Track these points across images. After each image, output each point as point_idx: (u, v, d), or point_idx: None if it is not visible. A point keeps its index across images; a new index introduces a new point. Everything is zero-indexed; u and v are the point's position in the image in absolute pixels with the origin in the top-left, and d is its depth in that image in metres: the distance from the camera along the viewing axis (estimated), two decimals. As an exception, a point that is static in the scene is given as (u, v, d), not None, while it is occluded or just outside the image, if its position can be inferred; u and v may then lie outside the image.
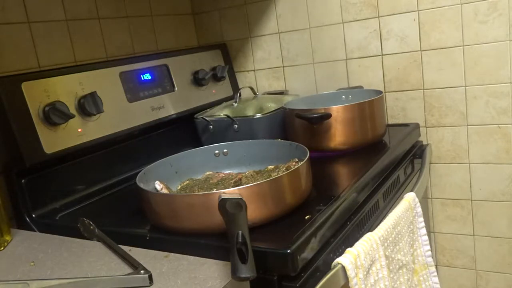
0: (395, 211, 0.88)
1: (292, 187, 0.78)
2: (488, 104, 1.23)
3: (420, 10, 1.24)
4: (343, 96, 1.30)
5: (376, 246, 0.77)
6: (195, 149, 1.01)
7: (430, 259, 0.94)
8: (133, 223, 0.86)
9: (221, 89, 1.45)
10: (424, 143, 1.32)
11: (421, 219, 0.94)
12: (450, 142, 1.30)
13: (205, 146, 1.02)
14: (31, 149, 0.92)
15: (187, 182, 0.96)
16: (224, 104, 1.36)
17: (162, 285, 0.63)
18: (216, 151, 1.01)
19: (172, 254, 0.71)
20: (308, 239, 0.70)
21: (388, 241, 0.81)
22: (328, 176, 1.01)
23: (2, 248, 0.82)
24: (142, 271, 0.64)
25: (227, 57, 1.52)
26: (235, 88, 1.50)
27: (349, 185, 0.88)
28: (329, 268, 0.71)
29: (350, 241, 0.79)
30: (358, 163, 1.04)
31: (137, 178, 0.83)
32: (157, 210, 0.78)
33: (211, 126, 1.26)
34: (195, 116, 1.30)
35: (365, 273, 0.73)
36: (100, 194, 1.06)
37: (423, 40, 1.26)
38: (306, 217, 0.75)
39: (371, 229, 0.82)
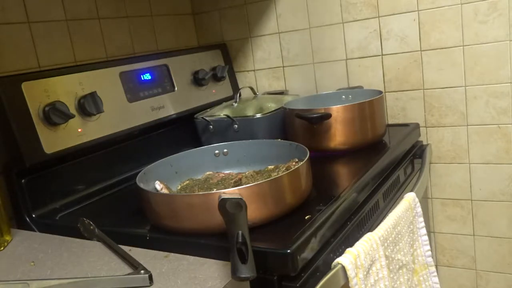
0: (395, 211, 0.88)
1: (292, 187, 0.78)
2: (488, 104, 1.23)
3: (420, 10, 1.24)
4: (343, 96, 1.30)
5: (376, 246, 0.77)
6: (195, 149, 1.01)
7: (430, 259, 0.94)
8: (133, 223, 0.86)
9: (221, 89, 1.45)
10: (424, 143, 1.32)
11: (421, 219, 0.94)
12: (450, 142, 1.30)
13: (205, 146, 1.02)
14: (31, 149, 0.92)
15: (187, 182, 0.96)
16: (224, 104, 1.36)
17: (162, 285, 0.63)
18: (216, 151, 1.01)
19: (172, 254, 0.71)
20: (308, 239, 0.70)
21: (388, 241, 0.81)
22: (328, 176, 1.01)
23: (2, 248, 0.82)
24: (142, 271, 0.64)
25: (227, 57, 1.52)
26: (235, 88, 1.50)
27: (349, 185, 0.88)
28: (329, 268, 0.71)
29: (350, 241, 0.79)
30: (358, 163, 1.04)
31: (137, 178, 0.83)
32: (157, 210, 0.78)
33: (211, 126, 1.26)
34: (195, 116, 1.30)
35: (365, 273, 0.73)
36: (100, 194, 1.06)
37: (423, 40, 1.26)
38: (306, 217, 0.75)
39: (371, 229, 0.82)
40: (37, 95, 0.94)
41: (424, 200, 1.34)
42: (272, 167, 0.94)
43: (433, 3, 1.22)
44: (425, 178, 1.13)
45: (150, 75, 1.22)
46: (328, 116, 1.07)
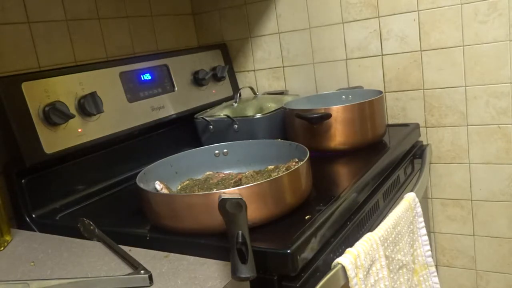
0: (395, 211, 0.88)
1: (292, 187, 0.78)
2: (488, 104, 1.23)
3: (420, 10, 1.24)
4: (343, 96, 1.30)
5: (376, 246, 0.77)
6: (195, 149, 1.01)
7: (430, 259, 0.94)
8: (133, 223, 0.86)
9: (221, 89, 1.45)
10: (424, 143, 1.32)
11: (421, 219, 0.94)
12: (450, 142, 1.30)
13: (205, 146, 1.02)
14: (31, 149, 0.92)
15: (187, 182, 0.96)
16: (224, 104, 1.36)
17: (162, 285, 0.63)
18: (216, 151, 1.01)
19: (172, 254, 0.71)
20: (308, 239, 0.70)
21: (388, 241, 0.81)
22: (328, 176, 1.01)
23: (2, 248, 0.82)
24: (142, 271, 0.64)
25: (227, 57, 1.52)
26: (235, 88, 1.50)
27: (349, 185, 0.88)
28: (329, 268, 0.71)
29: (350, 241, 0.79)
30: (358, 163, 1.04)
31: (137, 178, 0.83)
32: (157, 210, 0.78)
33: (211, 126, 1.26)
34: (195, 116, 1.30)
35: (365, 273, 0.73)
36: (100, 194, 1.06)
37: (423, 40, 1.26)
38: (306, 217, 0.75)
39: (371, 229, 0.82)
40: (37, 95, 0.94)
41: (424, 200, 1.34)
42: (272, 167, 0.94)
43: (433, 3, 1.22)
44: (425, 178, 1.13)
45: (150, 75, 1.22)
46: (328, 116, 1.07)
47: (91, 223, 0.83)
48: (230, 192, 0.70)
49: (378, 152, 1.06)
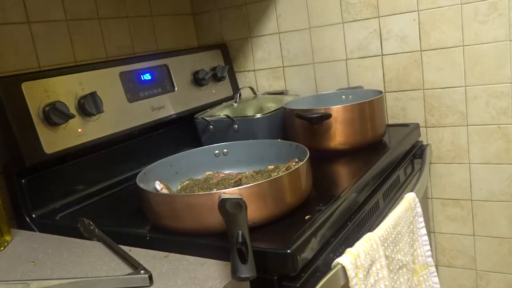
0: (395, 211, 0.88)
1: (292, 187, 0.78)
2: (488, 104, 1.23)
3: (420, 10, 1.24)
4: (343, 96, 1.30)
5: (376, 246, 0.77)
6: (195, 149, 1.01)
7: (430, 259, 0.94)
8: (133, 223, 0.86)
9: (221, 89, 1.45)
10: (424, 143, 1.32)
11: (421, 219, 0.94)
12: (450, 142, 1.30)
13: (205, 146, 1.02)
14: (31, 149, 0.92)
15: (187, 182, 0.96)
16: (224, 104, 1.36)
17: (162, 285, 0.63)
18: (216, 151, 1.01)
19: (172, 254, 0.71)
20: (308, 239, 0.70)
21: (388, 241, 0.81)
22: (328, 176, 1.01)
23: (2, 248, 0.82)
24: (142, 271, 0.64)
25: (227, 57, 1.52)
26: (235, 88, 1.50)
27: (349, 185, 0.88)
28: (329, 268, 0.71)
29: (350, 241, 0.79)
30: (358, 163, 1.04)
31: (137, 178, 0.83)
32: (157, 210, 0.78)
33: (211, 126, 1.26)
34: (195, 116, 1.30)
35: (365, 273, 0.73)
36: (100, 194, 1.06)
37: (423, 40, 1.26)
38: (306, 217, 0.75)
39: (371, 229, 0.82)
40: (37, 95, 0.94)
41: (424, 200, 1.34)
42: (272, 167, 0.94)
43: (433, 3, 1.22)
44: (425, 178, 1.13)
45: (150, 75, 1.22)
46: (328, 116, 1.07)
47: (91, 223, 0.83)
48: (230, 192, 0.70)
49: (378, 152, 1.06)
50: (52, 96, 0.97)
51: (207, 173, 0.99)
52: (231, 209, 0.66)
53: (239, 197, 0.68)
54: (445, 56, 1.24)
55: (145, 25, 1.35)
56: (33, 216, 0.95)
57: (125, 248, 0.75)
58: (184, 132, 1.32)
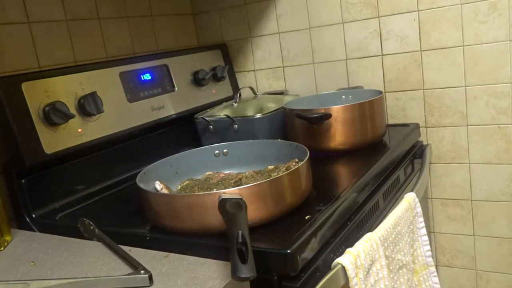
0: (395, 211, 0.88)
1: (292, 187, 0.78)
2: (488, 104, 1.23)
3: (420, 10, 1.24)
4: (343, 96, 1.30)
5: (376, 246, 0.77)
6: (195, 149, 1.01)
7: (430, 259, 0.94)
8: (133, 223, 0.86)
9: (221, 89, 1.45)
10: (424, 143, 1.32)
11: (421, 219, 0.94)
12: (450, 142, 1.30)
13: (205, 146, 1.02)
14: (31, 149, 0.92)
15: (187, 182, 0.96)
16: (224, 104, 1.36)
17: (162, 285, 0.63)
18: (216, 151, 1.01)
19: (172, 254, 0.71)
20: (308, 239, 0.70)
21: (388, 241, 0.81)
22: (328, 176, 1.01)
23: (2, 248, 0.82)
24: (142, 271, 0.64)
25: (227, 57, 1.52)
26: (235, 88, 1.50)
27: (349, 185, 0.88)
28: (329, 268, 0.71)
29: (350, 241, 0.79)
30: (358, 163, 1.04)
31: (137, 178, 0.83)
32: (157, 210, 0.78)
33: (211, 126, 1.26)
34: (195, 116, 1.30)
35: (365, 273, 0.73)
36: (100, 194, 1.06)
37: (423, 40, 1.26)
38: (306, 217, 0.75)
39: (371, 229, 0.82)
40: (37, 95, 0.94)
41: (424, 200, 1.34)
42: (272, 167, 0.94)
43: (433, 3, 1.22)
44: (425, 178, 1.13)
45: (150, 75, 1.22)
46: (328, 116, 1.07)
47: (91, 223, 0.83)
48: (230, 192, 0.70)
49: (378, 152, 1.06)
50: (52, 96, 0.97)
51: (207, 173, 0.99)
52: (231, 209, 0.66)
53: (239, 197, 0.68)
54: (445, 56, 1.24)
55: (145, 25, 1.35)
56: (33, 216, 0.95)
57: (125, 248, 0.75)
58: (184, 132, 1.32)
